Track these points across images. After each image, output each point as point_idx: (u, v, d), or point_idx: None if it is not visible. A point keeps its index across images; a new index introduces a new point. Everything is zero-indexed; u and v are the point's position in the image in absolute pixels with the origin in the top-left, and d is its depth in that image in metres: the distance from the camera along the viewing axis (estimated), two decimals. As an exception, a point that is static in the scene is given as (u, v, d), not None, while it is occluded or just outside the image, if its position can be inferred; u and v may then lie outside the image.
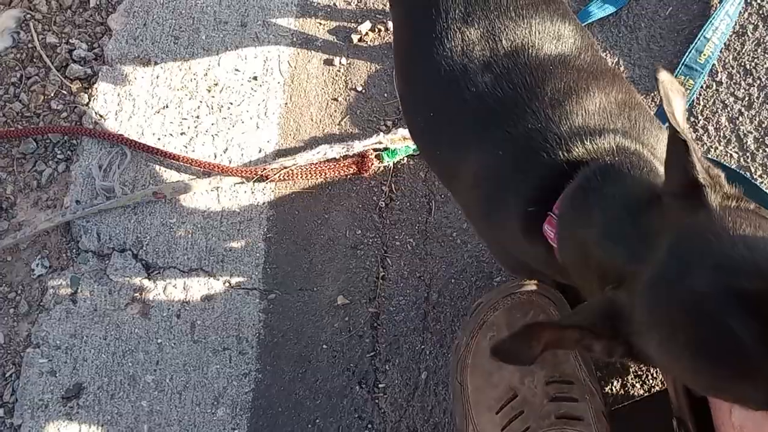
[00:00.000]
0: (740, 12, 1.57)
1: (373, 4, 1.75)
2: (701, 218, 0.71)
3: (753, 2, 1.57)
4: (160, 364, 1.48)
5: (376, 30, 1.72)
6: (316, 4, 1.77)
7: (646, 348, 0.73)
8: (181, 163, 1.58)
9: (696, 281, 0.67)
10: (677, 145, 0.73)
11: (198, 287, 1.53)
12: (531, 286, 1.33)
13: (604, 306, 0.75)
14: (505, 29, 0.97)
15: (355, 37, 1.72)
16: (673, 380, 1.13)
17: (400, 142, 1.59)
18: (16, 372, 1.46)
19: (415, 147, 1.58)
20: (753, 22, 1.57)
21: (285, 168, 1.58)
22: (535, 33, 0.97)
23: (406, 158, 1.60)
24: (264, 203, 1.59)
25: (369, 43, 1.72)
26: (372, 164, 1.59)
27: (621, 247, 0.77)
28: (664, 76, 0.76)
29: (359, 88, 1.68)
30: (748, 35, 1.56)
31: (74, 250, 1.54)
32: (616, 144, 0.88)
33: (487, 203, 1.00)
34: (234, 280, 1.54)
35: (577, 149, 0.88)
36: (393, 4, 1.19)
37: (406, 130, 1.58)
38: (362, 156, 1.59)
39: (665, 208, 0.76)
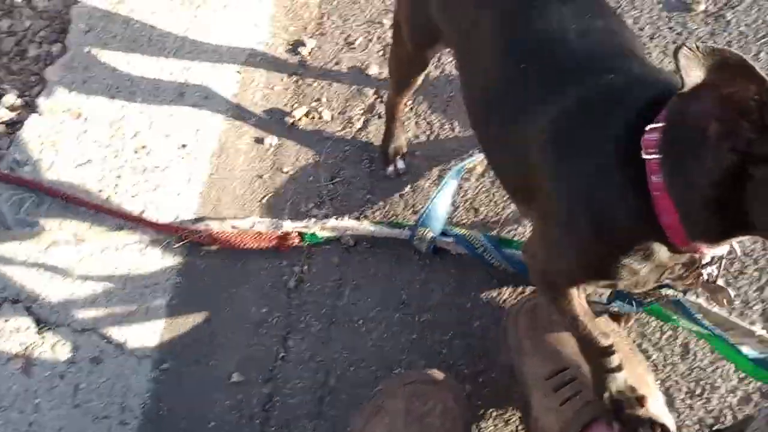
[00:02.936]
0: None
1: (310, 92, 1.82)
2: None
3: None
4: (33, 426, 1.39)
5: (311, 116, 1.78)
6: (255, 84, 1.83)
7: None
8: (99, 212, 1.55)
9: None
10: None
11: (88, 349, 1.47)
12: (437, 375, 1.34)
13: None
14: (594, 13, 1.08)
15: (288, 120, 1.77)
16: None
17: (327, 232, 1.60)
18: None
19: (336, 234, 1.60)
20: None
21: (209, 230, 1.57)
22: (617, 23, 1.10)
23: (323, 243, 1.62)
24: (173, 269, 1.57)
25: (302, 127, 1.77)
26: (293, 243, 1.60)
27: None
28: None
29: (285, 169, 1.72)
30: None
31: (-37, 295, 1.47)
32: None
33: (569, 153, 0.98)
34: (128, 346, 1.49)
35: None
36: None
37: (338, 221, 1.59)
38: (285, 233, 1.60)
39: None
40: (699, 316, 1.31)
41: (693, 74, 0.68)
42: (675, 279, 1.05)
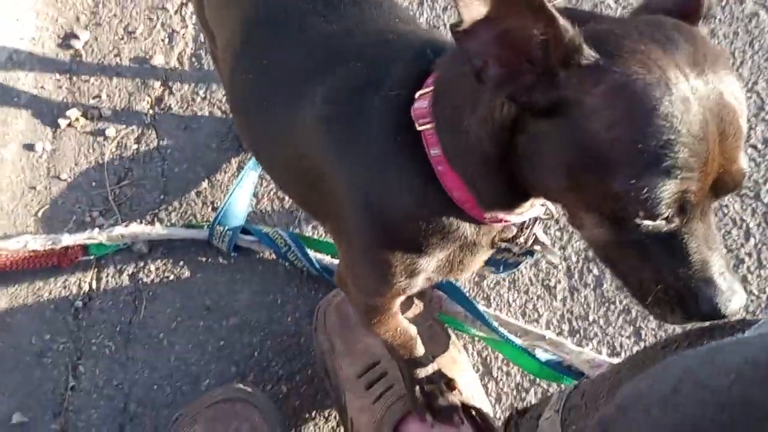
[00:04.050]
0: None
1: (87, 88, 1.63)
2: None
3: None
4: None
5: (89, 115, 1.60)
6: (20, 85, 1.61)
7: (589, 89, 0.60)
8: None
9: None
10: None
11: None
12: (243, 389, 1.23)
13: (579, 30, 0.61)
14: None
15: (63, 122, 1.58)
16: None
17: (116, 241, 1.43)
18: None
19: (126, 242, 1.44)
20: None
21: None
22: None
23: (113, 253, 1.46)
24: (-72, 305, 1.35)
25: (80, 128, 1.59)
26: (76, 258, 1.43)
27: None
28: None
29: (63, 176, 1.53)
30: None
31: None
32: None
33: (343, 149, 0.86)
34: None
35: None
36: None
37: (126, 228, 1.43)
38: (66, 248, 1.43)
39: None
40: (496, 324, 1.30)
41: (474, 9, 0.58)
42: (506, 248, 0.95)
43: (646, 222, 0.63)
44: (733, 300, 0.66)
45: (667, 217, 0.63)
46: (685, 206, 0.62)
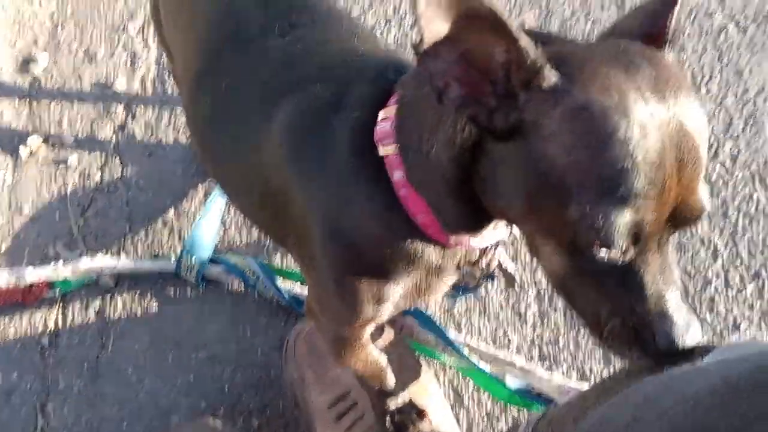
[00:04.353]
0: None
1: (48, 115, 1.60)
2: None
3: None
4: None
5: (51, 143, 1.57)
6: (-21, 113, 1.58)
7: (547, 111, 0.59)
8: None
9: None
10: None
11: None
12: (211, 423, 1.23)
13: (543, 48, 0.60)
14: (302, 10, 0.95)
15: (24, 152, 1.54)
16: None
17: (81, 275, 1.41)
18: None
19: (92, 277, 1.42)
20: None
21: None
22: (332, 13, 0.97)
23: (79, 289, 1.43)
24: None
25: (41, 158, 1.55)
26: (41, 294, 1.41)
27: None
28: None
29: (25, 210, 1.50)
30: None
31: None
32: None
33: (306, 176, 0.83)
34: None
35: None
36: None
37: (92, 262, 1.40)
38: (30, 285, 1.40)
39: None
40: (466, 351, 1.31)
41: (435, 27, 0.56)
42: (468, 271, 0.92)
43: (602, 252, 0.62)
44: (689, 333, 0.65)
45: (622, 247, 0.61)
46: (641, 236, 0.61)
